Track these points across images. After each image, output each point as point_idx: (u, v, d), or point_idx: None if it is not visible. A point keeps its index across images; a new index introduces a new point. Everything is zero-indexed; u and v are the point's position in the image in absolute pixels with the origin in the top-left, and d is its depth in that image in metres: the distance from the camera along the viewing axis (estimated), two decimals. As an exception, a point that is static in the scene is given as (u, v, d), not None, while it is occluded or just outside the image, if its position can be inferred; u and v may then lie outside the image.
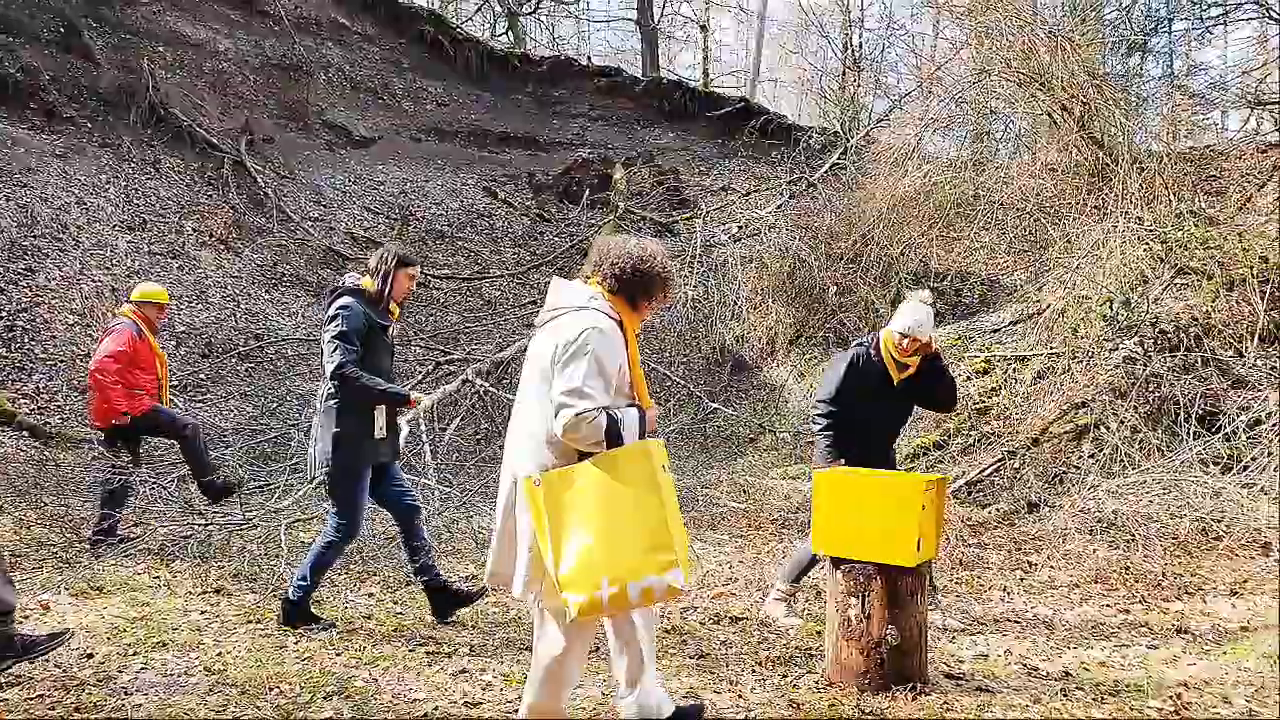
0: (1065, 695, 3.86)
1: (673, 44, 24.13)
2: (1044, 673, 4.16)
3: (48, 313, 11.08)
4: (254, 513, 6.26)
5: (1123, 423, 8.45)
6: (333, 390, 4.44)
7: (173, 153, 14.05)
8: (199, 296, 12.36)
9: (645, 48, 20.46)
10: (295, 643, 4.35)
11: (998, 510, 7.43)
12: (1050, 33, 10.89)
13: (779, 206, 14.29)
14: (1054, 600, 5.39)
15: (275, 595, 4.95)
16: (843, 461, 4.68)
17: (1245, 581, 5.64)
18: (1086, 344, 9.54)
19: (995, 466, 8.21)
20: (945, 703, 3.76)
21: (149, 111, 14.06)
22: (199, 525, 6.16)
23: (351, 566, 5.68)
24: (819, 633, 4.54)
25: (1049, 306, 10.81)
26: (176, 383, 10.90)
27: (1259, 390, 8.42)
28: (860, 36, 18.50)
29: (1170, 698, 3.79)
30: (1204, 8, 18.01)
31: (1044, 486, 7.76)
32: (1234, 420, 8.15)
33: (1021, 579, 5.78)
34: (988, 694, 3.87)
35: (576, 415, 2.79)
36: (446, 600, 4.78)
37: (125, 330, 6.53)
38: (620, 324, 3.02)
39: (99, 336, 7.34)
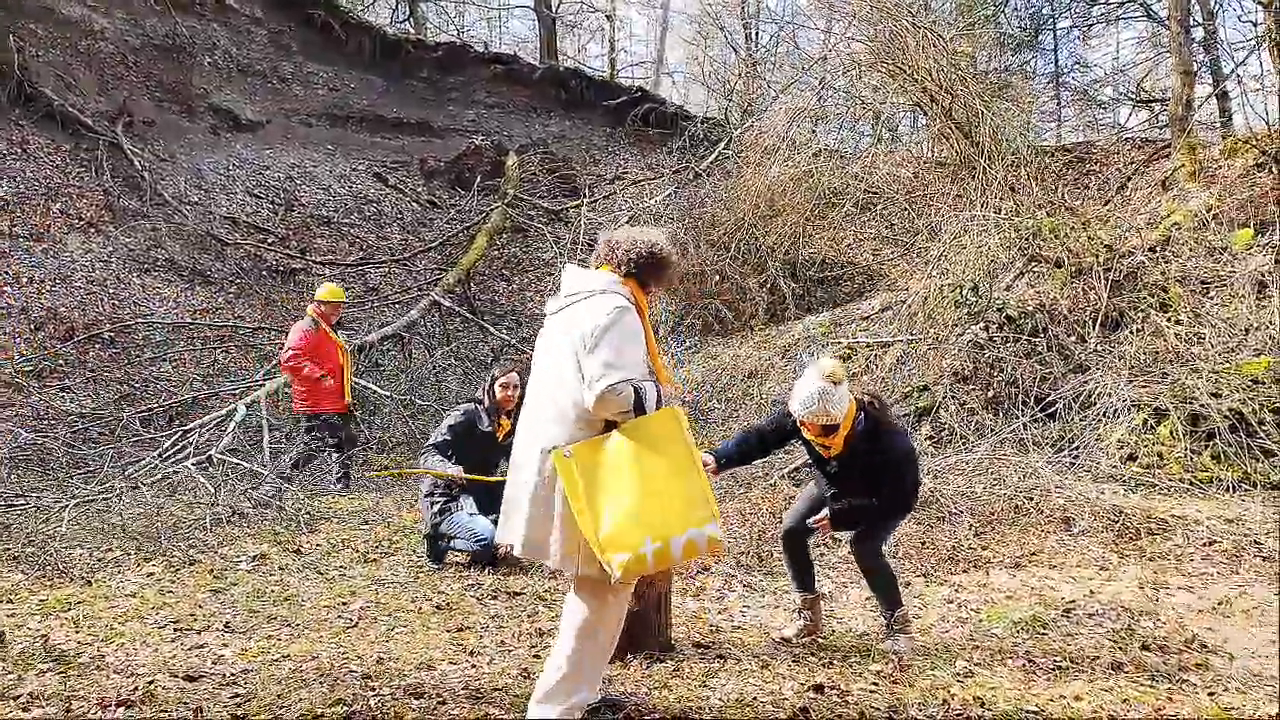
0: (796, 660, 3.95)
1: (582, 34, 24.14)
2: (795, 642, 4.24)
3: (-105, 295, 10.69)
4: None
5: (962, 405, 8.69)
6: None
7: (42, 133, 13.62)
8: (62, 280, 12.01)
9: (543, 35, 20.37)
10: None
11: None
12: (914, 24, 11.08)
13: (666, 196, 14.37)
14: (842, 575, 5.51)
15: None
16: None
17: (1034, 554, 5.83)
18: (938, 330, 9.78)
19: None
20: (676, 669, 3.82)
21: (16, 89, 13.60)
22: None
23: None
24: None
25: (915, 294, 11.06)
26: (31, 369, 10.64)
27: (1095, 374, 8.71)
28: (756, 30, 18.65)
29: (890, 660, 3.90)
30: (1090, 5, 18.53)
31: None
32: (1068, 402, 8.44)
33: (821, 555, 5.88)
34: (721, 660, 3.94)
35: (610, 386, 2.93)
36: None
37: (300, 327, 7.64)
38: (636, 306, 3.17)
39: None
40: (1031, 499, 6.76)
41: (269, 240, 14.14)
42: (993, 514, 6.57)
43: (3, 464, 7.03)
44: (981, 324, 9.40)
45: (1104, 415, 8.11)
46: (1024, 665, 3.98)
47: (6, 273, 11.71)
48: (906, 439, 4.26)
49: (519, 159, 16.03)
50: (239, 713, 3.30)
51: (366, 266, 14.12)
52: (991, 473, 7.25)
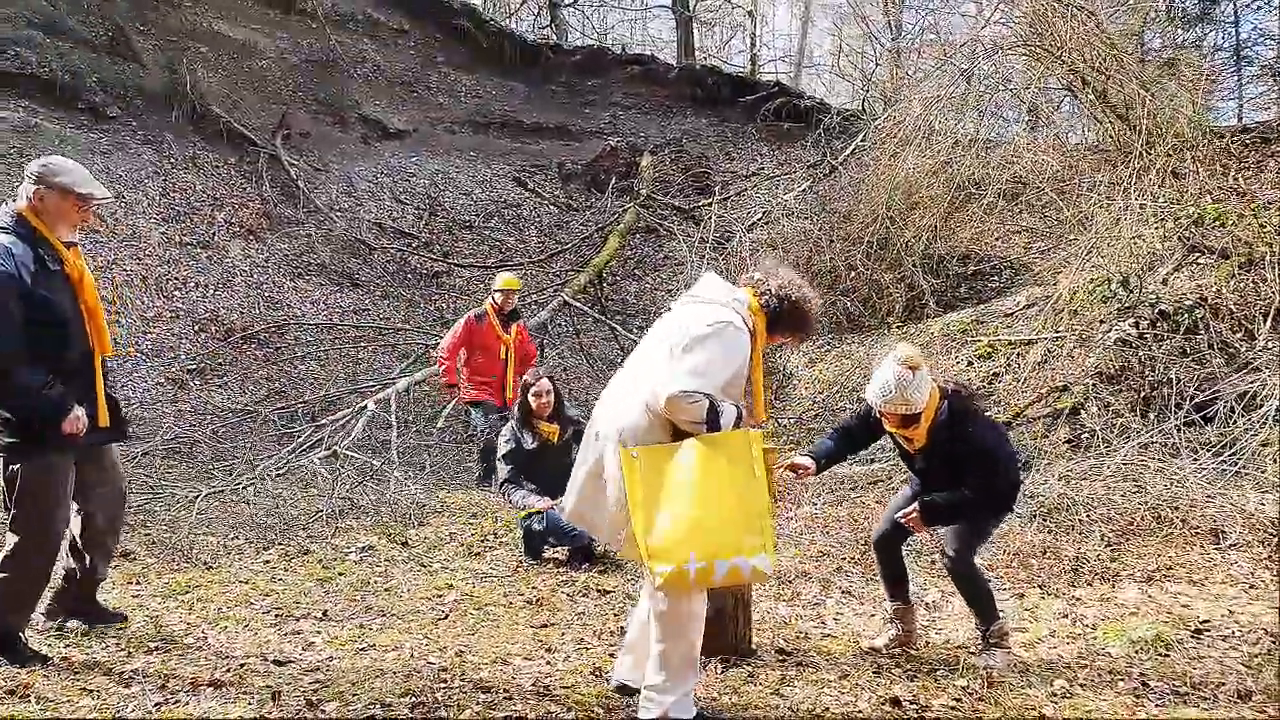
0: (880, 672, 3.75)
1: (723, 32, 23.98)
2: (884, 653, 4.04)
3: (78, 300, 11.68)
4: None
5: (1106, 406, 8.10)
6: None
7: (210, 148, 14.61)
8: (224, 284, 12.85)
9: (680, 35, 20.35)
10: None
11: (949, 495, 7.18)
12: (1062, 1, 10.45)
13: (802, 191, 14.11)
14: (948, 583, 5.21)
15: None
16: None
17: (1170, 569, 5.36)
18: (1082, 327, 9.17)
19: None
20: (751, 674, 3.70)
21: (190, 110, 14.66)
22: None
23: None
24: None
25: (1065, 288, 10.43)
26: (194, 367, 11.43)
27: (1263, 374, 7.97)
28: (900, 18, 18.03)
29: (980, 678, 3.65)
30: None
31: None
32: (1231, 405, 7.74)
33: (933, 562, 5.59)
34: (801, 668, 3.79)
35: (684, 391, 2.91)
36: None
37: (462, 320, 7.81)
38: (752, 334, 3.14)
39: None
40: (1177, 508, 6.22)
41: (413, 244, 14.70)
42: (1130, 524, 6.09)
43: (154, 455, 7.56)
44: (1131, 320, 8.75)
45: (1271, 419, 7.40)
46: (1136, 688, 3.65)
47: (176, 278, 12.64)
48: (998, 429, 4.01)
49: (653, 159, 16.07)
50: (314, 698, 3.40)
51: (505, 269, 14.44)
52: (1132, 479, 6.72)
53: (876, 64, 15.42)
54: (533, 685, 3.59)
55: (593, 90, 18.36)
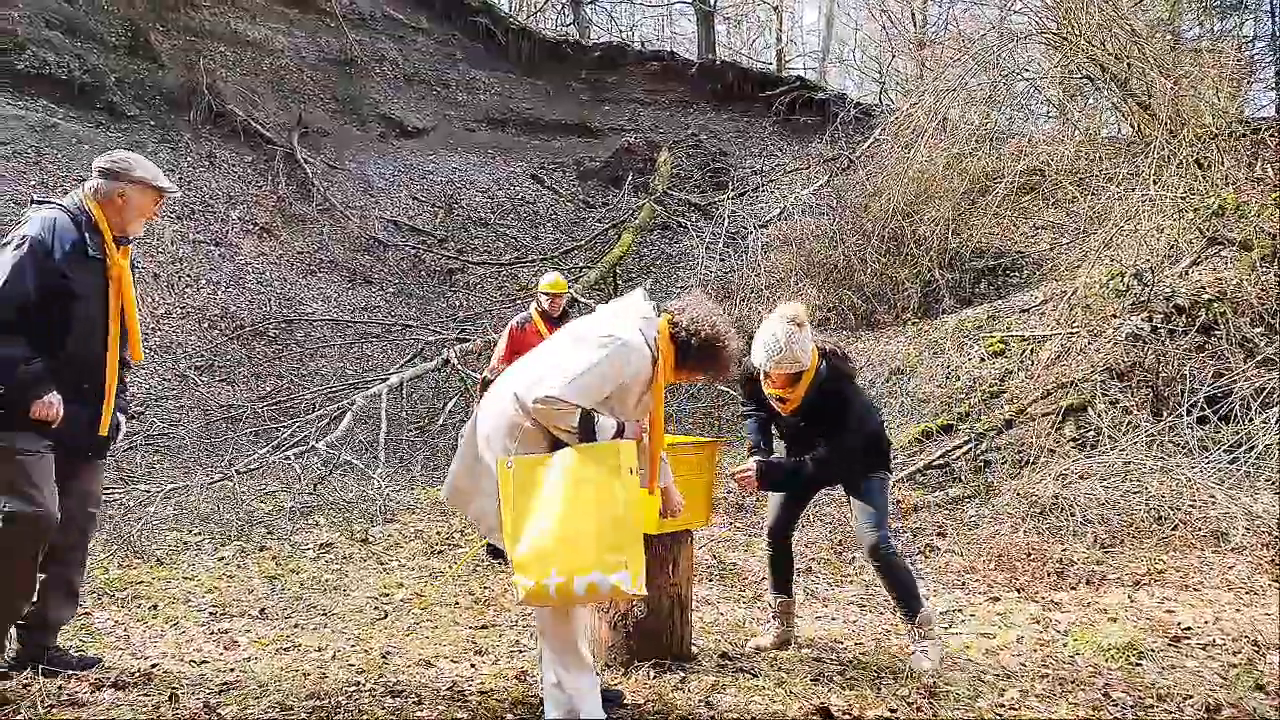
0: (820, 679, 3.54)
1: (749, 28, 23.65)
2: (829, 659, 3.83)
3: (90, 298, 11.77)
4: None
5: (1114, 404, 7.77)
6: None
7: (227, 146, 14.69)
8: (236, 281, 12.88)
9: (701, 31, 20.10)
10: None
11: (945, 495, 6.92)
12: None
13: (819, 186, 13.85)
14: (930, 585, 4.98)
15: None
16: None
17: (1163, 572, 5.08)
18: (1095, 322, 8.82)
19: (962, 449, 7.67)
20: (683, 680, 3.51)
21: (208, 108, 14.74)
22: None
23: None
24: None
25: (1081, 283, 10.07)
26: (202, 363, 11.46)
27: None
28: (924, 11, 17.64)
29: (920, 687, 3.42)
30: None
31: (1009, 470, 7.19)
32: (1247, 402, 7.37)
33: (911, 563, 5.35)
34: (737, 674, 3.59)
35: (549, 397, 2.83)
36: None
37: (505, 331, 7.08)
38: (655, 362, 3.04)
39: None
40: (1178, 509, 5.92)
41: (428, 242, 14.65)
42: (1127, 525, 5.81)
43: (140, 450, 7.52)
44: (1145, 315, 8.40)
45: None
46: (1095, 700, 3.40)
47: (188, 274, 12.69)
48: (859, 389, 3.93)
49: (670, 155, 15.89)
50: (213, 700, 3.27)
51: (519, 266, 14.38)
52: (1134, 478, 6.40)
53: (894, 55, 15.04)
54: (449, 689, 3.43)
55: (612, 87, 18.22)
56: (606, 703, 3.18)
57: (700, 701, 3.34)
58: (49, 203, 3.44)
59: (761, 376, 3.68)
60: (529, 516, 2.81)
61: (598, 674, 3.45)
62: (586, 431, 2.87)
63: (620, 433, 2.96)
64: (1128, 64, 10.79)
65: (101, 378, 3.44)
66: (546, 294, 6.99)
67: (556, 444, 2.93)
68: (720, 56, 20.00)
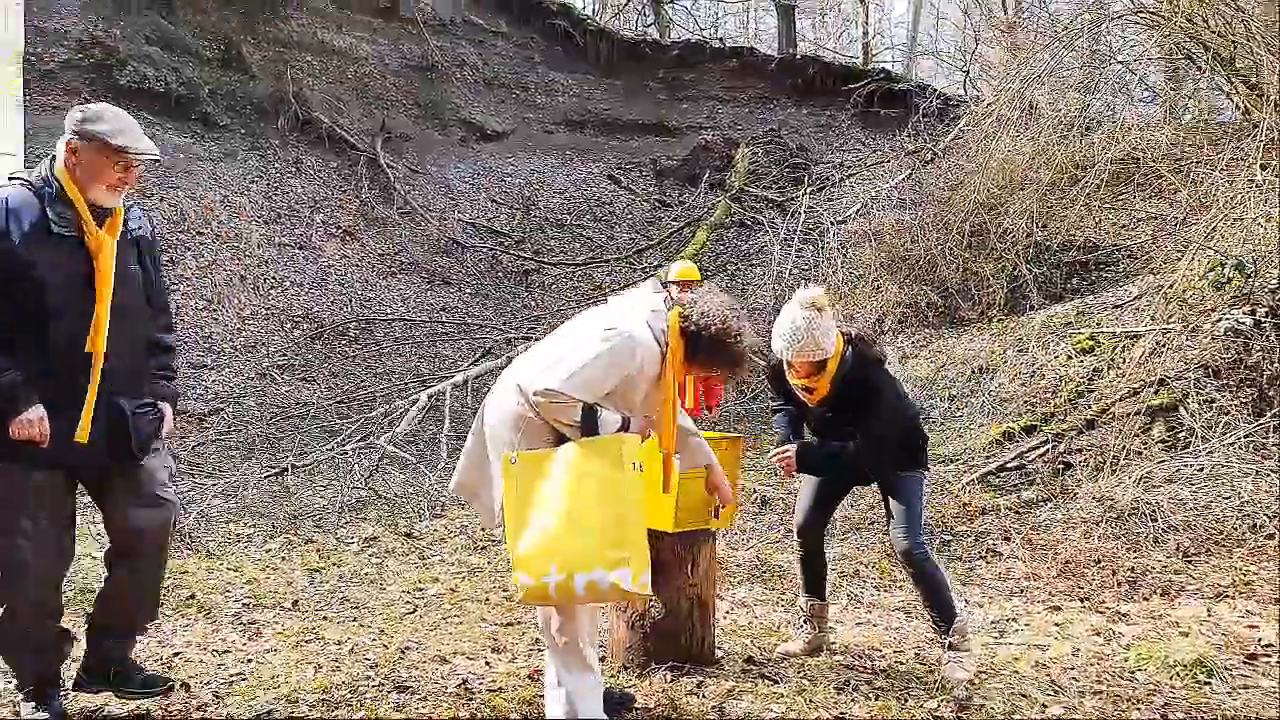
0: (844, 688, 3.33)
1: (834, 21, 23.18)
2: (860, 667, 3.60)
3: (180, 299, 12.16)
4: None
5: (1209, 403, 7.25)
6: None
7: (313, 153, 15.06)
8: (319, 283, 13.18)
9: (781, 25, 19.76)
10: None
11: (1018, 498, 6.54)
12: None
13: (901, 180, 13.45)
14: (986, 592, 4.69)
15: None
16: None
17: (1250, 584, 4.67)
18: (1194, 317, 8.27)
19: (1040, 450, 7.26)
20: (699, 684, 3.35)
21: (295, 117, 15.15)
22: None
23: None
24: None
25: (1180, 275, 9.49)
26: (284, 362, 11.75)
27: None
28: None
29: (950, 700, 3.17)
30: None
31: (1089, 473, 6.76)
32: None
33: (971, 569, 5.07)
34: (759, 680, 3.41)
35: (549, 390, 2.77)
36: None
37: None
38: (664, 356, 2.96)
39: None
40: (1275, 516, 5.46)
41: (505, 243, 14.76)
42: (1216, 532, 5.38)
43: (212, 444, 7.70)
44: (1247, 308, 7.83)
45: None
46: (1150, 721, 3.11)
47: (273, 277, 13.03)
48: (893, 378, 3.72)
49: (748, 151, 15.65)
50: (224, 690, 3.25)
51: (593, 266, 14.36)
52: (1226, 481, 5.94)
53: (978, 42, 14.49)
54: (459, 686, 3.35)
55: (690, 85, 18.07)
56: (617, 705, 3.08)
57: (713, 708, 3.17)
58: (13, 179, 2.96)
59: (785, 367, 3.50)
60: (531, 513, 2.74)
61: (615, 674, 3.35)
62: (588, 426, 2.78)
63: (625, 428, 2.86)
64: (1233, 41, 10.15)
65: (84, 377, 2.83)
66: (677, 283, 6.09)
67: (561, 436, 2.85)
68: (802, 51, 19.65)
